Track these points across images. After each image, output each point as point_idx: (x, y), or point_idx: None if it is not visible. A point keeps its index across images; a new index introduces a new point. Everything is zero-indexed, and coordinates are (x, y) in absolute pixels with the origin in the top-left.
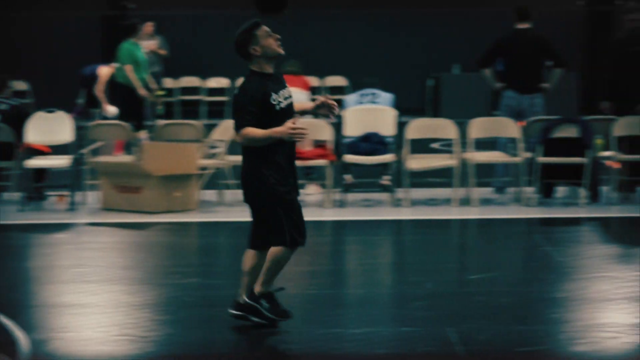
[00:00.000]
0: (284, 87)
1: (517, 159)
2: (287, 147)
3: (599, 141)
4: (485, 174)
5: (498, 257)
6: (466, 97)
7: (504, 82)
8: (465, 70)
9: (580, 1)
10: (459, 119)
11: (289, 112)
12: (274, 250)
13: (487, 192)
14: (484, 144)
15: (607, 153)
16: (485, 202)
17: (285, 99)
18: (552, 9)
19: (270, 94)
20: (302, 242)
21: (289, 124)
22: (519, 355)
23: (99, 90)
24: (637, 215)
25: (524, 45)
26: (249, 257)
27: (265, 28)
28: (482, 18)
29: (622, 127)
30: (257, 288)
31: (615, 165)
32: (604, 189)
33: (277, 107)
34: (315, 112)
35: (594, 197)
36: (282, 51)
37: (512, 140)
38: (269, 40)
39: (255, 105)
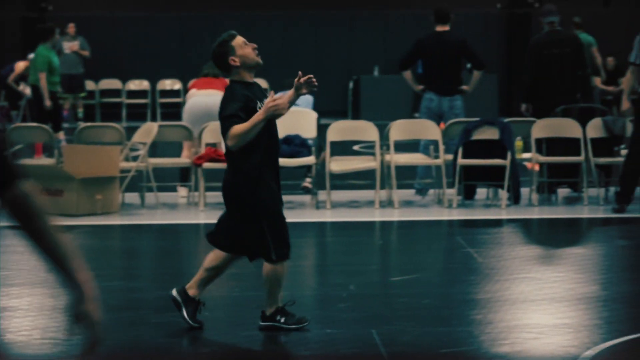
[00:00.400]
0: (265, 96)
1: (438, 161)
2: (272, 157)
3: (518, 143)
4: (406, 176)
5: (420, 259)
6: (386, 99)
7: (424, 85)
8: (384, 72)
9: (499, 4)
10: (380, 121)
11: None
12: (267, 271)
13: (408, 194)
14: (405, 146)
15: (526, 155)
16: (407, 204)
17: None
18: (470, 10)
19: (256, 102)
20: (288, 253)
21: (266, 100)
22: (443, 356)
23: (11, 79)
24: (557, 216)
25: (443, 47)
26: (214, 256)
27: (240, 38)
28: (402, 20)
29: (541, 129)
30: (269, 310)
31: (536, 167)
32: (525, 190)
33: None
34: (299, 94)
35: (515, 199)
36: (260, 60)
37: (433, 142)
38: (246, 50)
39: (238, 107)
